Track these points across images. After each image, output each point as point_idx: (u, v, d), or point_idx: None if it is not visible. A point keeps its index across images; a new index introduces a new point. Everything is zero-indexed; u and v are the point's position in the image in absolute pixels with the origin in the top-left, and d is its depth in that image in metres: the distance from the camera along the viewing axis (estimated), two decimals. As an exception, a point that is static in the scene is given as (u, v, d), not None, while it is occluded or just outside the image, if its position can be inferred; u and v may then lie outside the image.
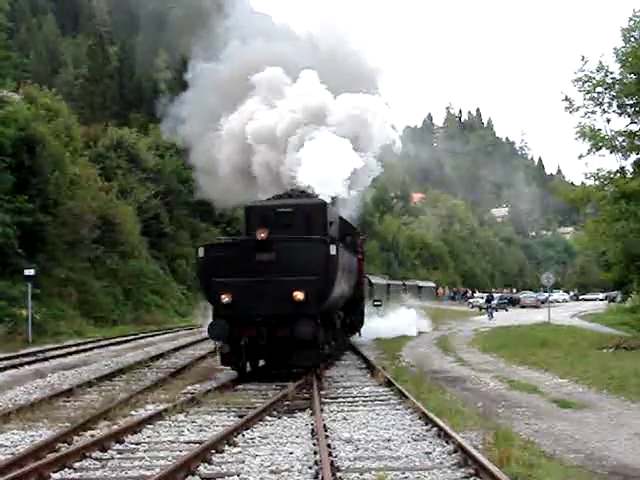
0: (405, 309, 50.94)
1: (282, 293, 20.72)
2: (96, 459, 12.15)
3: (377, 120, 34.06)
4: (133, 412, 16.42)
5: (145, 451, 12.75)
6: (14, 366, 26.11)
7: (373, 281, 54.66)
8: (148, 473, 10.87)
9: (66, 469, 11.46)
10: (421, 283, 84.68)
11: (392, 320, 45.03)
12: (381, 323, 42.75)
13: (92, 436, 13.64)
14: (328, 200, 27.68)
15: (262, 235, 20.98)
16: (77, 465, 11.75)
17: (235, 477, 10.79)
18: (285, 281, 20.83)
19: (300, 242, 22.11)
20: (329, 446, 12.26)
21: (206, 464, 11.59)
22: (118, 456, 12.40)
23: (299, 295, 20.54)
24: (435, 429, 13.51)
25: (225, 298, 20.91)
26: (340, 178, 28.75)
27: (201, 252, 22.24)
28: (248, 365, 22.71)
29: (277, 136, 32.16)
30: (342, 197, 30.93)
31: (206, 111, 35.62)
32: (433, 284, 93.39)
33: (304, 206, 24.71)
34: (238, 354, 21.16)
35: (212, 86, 36.54)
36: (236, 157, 34.15)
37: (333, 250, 21.15)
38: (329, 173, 28.44)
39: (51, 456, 11.92)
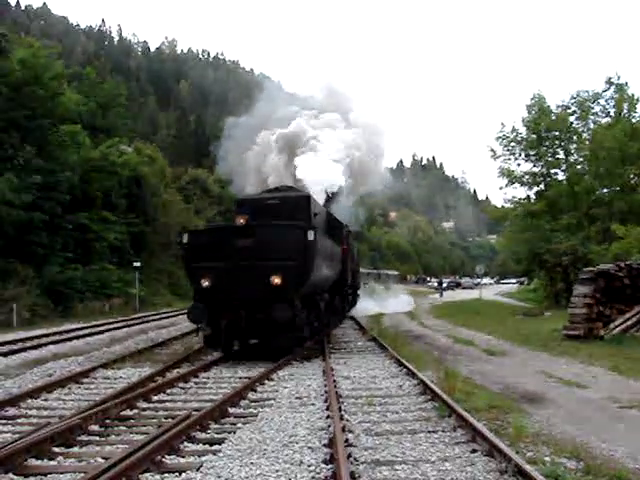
0: (402, 294, 50.47)
1: (260, 278, 15.27)
2: (180, 387, 12.18)
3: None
4: (204, 357, 16.41)
5: (213, 383, 12.76)
6: (127, 325, 26.31)
7: (362, 270, 54.40)
8: (215, 397, 10.86)
9: (161, 394, 11.49)
10: (390, 272, 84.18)
11: (392, 302, 42.41)
12: (388, 302, 40.95)
13: (178, 372, 13.66)
14: (323, 196, 24.82)
15: (242, 221, 16.01)
16: (168, 391, 11.78)
17: (272, 401, 10.78)
18: (263, 266, 15.38)
19: (278, 228, 16.43)
20: (334, 381, 12.23)
21: (252, 392, 11.60)
22: (195, 386, 12.41)
23: (276, 279, 15.21)
24: (405, 370, 13.46)
25: (205, 282, 15.67)
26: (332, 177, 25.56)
27: (185, 238, 16.75)
28: (236, 345, 17.20)
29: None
30: (336, 194, 27.59)
31: (240, 149, 32.00)
32: (397, 272, 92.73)
33: (290, 198, 19.44)
34: (219, 336, 15.81)
35: (243, 131, 32.81)
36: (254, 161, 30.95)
37: (311, 236, 15.68)
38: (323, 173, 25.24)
39: (152, 385, 12.00)
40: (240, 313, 15.37)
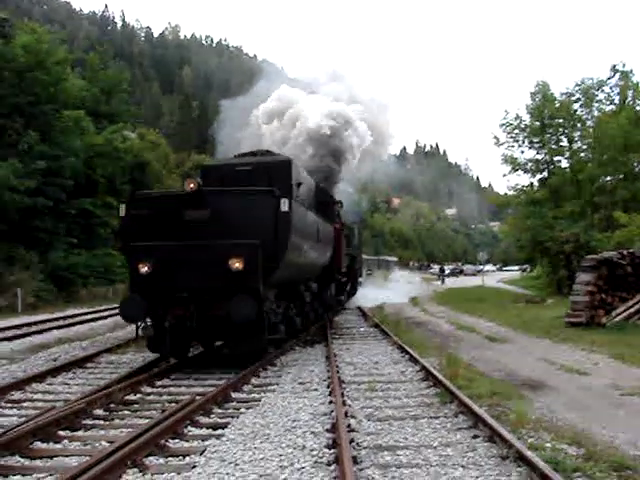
0: (403, 281, 49.89)
1: (216, 261, 11.63)
2: (184, 372, 12.25)
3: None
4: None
5: (217, 367, 12.70)
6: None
7: (365, 257, 54.05)
8: (219, 382, 10.91)
9: (165, 379, 11.57)
10: (389, 258, 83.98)
11: (394, 290, 40.17)
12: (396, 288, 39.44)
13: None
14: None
15: (191, 186, 12.07)
16: (173, 377, 11.85)
17: (275, 386, 10.84)
18: (220, 245, 11.78)
19: (241, 195, 12.44)
20: (337, 367, 12.29)
21: (256, 377, 11.68)
22: (198, 370, 12.48)
23: (237, 263, 11.59)
24: (407, 356, 13.51)
25: (143, 267, 11.87)
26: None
27: (122, 210, 12.81)
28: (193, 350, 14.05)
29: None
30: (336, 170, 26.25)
31: (235, 131, 29.65)
32: (396, 258, 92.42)
33: (266, 164, 14.98)
34: (163, 339, 12.09)
35: (239, 113, 30.66)
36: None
37: (285, 206, 12.03)
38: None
39: (155, 370, 12.05)
40: (189, 308, 11.83)
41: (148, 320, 12.37)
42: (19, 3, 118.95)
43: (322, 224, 16.74)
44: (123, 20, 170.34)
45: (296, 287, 15.55)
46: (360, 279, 32.33)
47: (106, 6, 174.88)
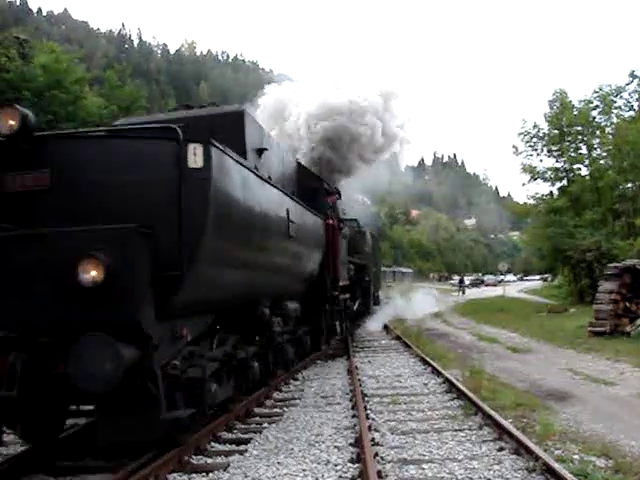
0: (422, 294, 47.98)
1: (57, 267, 5.84)
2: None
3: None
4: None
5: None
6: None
7: (382, 269, 52.97)
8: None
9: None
10: (405, 269, 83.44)
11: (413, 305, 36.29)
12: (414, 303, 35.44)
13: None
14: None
15: (10, 123, 6.26)
16: None
17: (297, 400, 10.79)
18: (63, 236, 6.00)
19: (113, 144, 6.92)
20: (359, 380, 12.22)
21: (278, 392, 11.60)
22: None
23: (93, 271, 5.70)
24: (430, 368, 13.43)
25: None
26: None
27: None
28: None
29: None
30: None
31: None
32: (412, 270, 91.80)
33: (206, 118, 9.36)
34: None
35: None
36: None
37: (199, 159, 6.32)
38: None
39: None
40: (5, 361, 6.04)
41: None
42: (38, 24, 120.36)
43: (301, 213, 11.43)
44: (140, 38, 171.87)
45: (252, 310, 9.34)
46: (379, 293, 30.02)
47: (123, 24, 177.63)
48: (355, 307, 21.18)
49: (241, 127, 9.35)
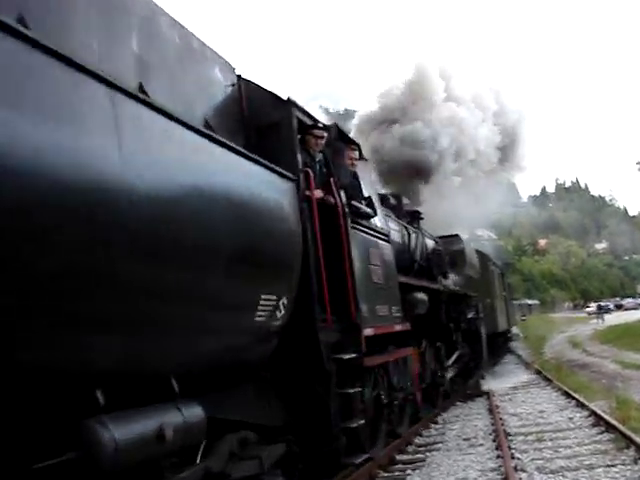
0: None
1: None
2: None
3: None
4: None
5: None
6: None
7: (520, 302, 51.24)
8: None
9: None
10: (530, 302, 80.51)
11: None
12: None
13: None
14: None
15: None
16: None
17: (439, 444, 10.65)
18: None
19: None
20: (501, 419, 11.94)
21: (419, 437, 11.51)
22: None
23: None
24: (574, 401, 12.95)
25: None
26: None
27: None
28: None
29: None
30: None
31: None
32: (538, 302, 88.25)
33: None
34: None
35: None
36: None
37: None
38: None
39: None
40: None
41: None
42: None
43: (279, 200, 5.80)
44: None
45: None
46: (513, 332, 28.55)
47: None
48: (450, 364, 14.29)
49: None
